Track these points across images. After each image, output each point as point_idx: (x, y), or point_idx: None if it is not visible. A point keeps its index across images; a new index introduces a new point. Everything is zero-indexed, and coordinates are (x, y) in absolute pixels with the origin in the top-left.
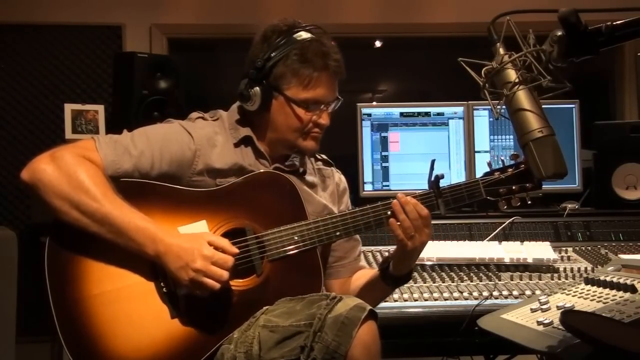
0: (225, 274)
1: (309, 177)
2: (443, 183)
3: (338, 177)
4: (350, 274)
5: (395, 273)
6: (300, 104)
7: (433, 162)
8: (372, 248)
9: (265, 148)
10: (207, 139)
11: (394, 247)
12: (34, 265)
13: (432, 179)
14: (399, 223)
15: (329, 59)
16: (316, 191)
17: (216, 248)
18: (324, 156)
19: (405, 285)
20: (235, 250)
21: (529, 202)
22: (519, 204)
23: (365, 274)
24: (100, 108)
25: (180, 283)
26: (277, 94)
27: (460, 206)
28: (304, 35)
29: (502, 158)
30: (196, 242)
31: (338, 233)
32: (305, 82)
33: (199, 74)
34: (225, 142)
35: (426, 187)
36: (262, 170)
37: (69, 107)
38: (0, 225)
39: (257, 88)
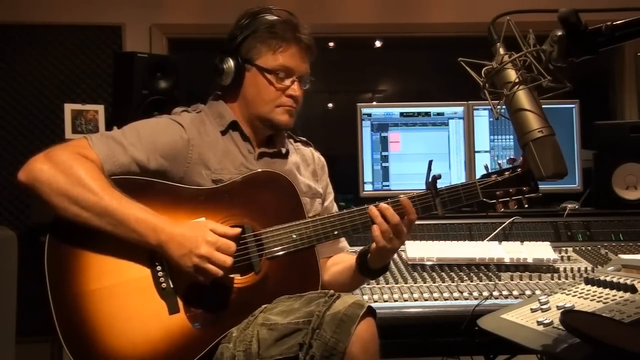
0: (228, 260)
1: (292, 158)
2: (441, 184)
3: (317, 156)
4: (330, 254)
5: (373, 266)
6: (272, 72)
7: (430, 162)
8: None
9: (248, 130)
10: (196, 128)
11: None
12: (34, 265)
13: (430, 179)
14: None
15: (298, 32)
16: (299, 170)
17: (218, 234)
18: (302, 138)
19: (405, 285)
20: (237, 230)
21: (526, 205)
22: (516, 206)
23: (343, 259)
24: (100, 108)
25: (184, 270)
26: (249, 66)
27: (457, 207)
28: (274, 16)
29: (500, 161)
30: (199, 229)
31: (336, 232)
32: (274, 49)
33: (199, 74)
34: (212, 131)
35: (424, 187)
36: (260, 170)
37: (69, 107)
38: (0, 225)
39: (230, 61)
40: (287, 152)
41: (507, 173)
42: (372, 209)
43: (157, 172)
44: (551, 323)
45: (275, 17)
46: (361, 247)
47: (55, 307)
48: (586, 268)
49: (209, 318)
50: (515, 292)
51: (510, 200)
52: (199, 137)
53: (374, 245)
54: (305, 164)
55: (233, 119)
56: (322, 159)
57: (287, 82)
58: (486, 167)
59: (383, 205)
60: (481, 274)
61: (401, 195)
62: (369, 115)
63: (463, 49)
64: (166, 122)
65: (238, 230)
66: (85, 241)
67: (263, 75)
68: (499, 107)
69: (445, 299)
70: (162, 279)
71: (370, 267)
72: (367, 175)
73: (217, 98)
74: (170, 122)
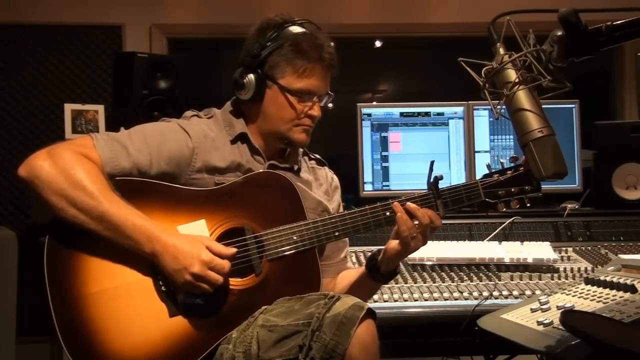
0: (221, 280)
1: (304, 175)
2: (442, 184)
3: (330, 176)
4: (335, 275)
5: (386, 269)
6: (294, 94)
7: (432, 163)
8: (373, 248)
9: (260, 143)
10: (204, 136)
11: None
12: (34, 265)
13: (431, 180)
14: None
15: (323, 52)
16: (311, 188)
17: (214, 253)
18: (317, 156)
19: (405, 285)
20: (232, 251)
21: (528, 205)
22: (518, 206)
23: (350, 273)
24: (100, 108)
25: (175, 284)
26: (271, 83)
27: (459, 207)
28: (298, 29)
29: (502, 160)
30: (195, 245)
31: (337, 233)
32: (299, 71)
33: (199, 74)
34: (221, 139)
35: (425, 187)
36: (261, 170)
37: (69, 107)
38: (0, 225)
39: (252, 76)
40: (299, 170)
41: (509, 172)
42: (405, 205)
43: (157, 177)
44: (551, 323)
45: (300, 30)
46: (363, 248)
47: (55, 310)
48: (586, 268)
49: (210, 320)
50: (515, 292)
51: (512, 199)
52: (204, 145)
53: (391, 244)
54: (317, 182)
55: (242, 131)
56: (336, 179)
57: (309, 103)
58: (488, 167)
59: (413, 205)
60: (481, 274)
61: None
62: (369, 115)
63: (463, 49)
64: (173, 129)
65: (234, 250)
66: (85, 243)
67: (284, 95)
68: (499, 107)
69: (445, 299)
70: (162, 282)
71: (382, 271)
72: (367, 175)
73: (232, 107)
74: (178, 129)
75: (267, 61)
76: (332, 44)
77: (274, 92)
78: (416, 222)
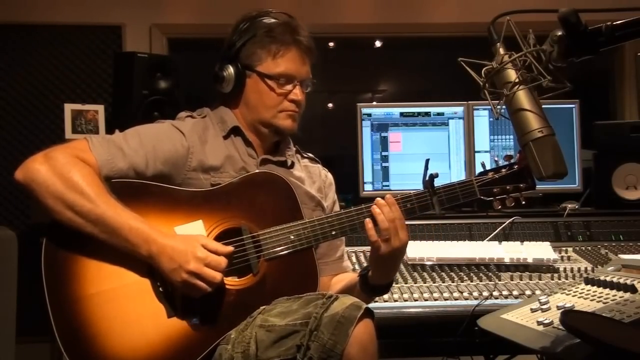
0: (218, 276)
1: (297, 172)
2: (438, 182)
3: (324, 174)
4: (333, 273)
5: (374, 282)
6: (273, 78)
7: (427, 161)
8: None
9: (252, 136)
10: (198, 135)
11: None
12: (34, 266)
13: (427, 178)
14: (376, 226)
15: (298, 35)
16: (303, 184)
17: (210, 251)
18: (310, 154)
19: (405, 285)
20: (229, 249)
21: (523, 202)
22: (513, 204)
23: (345, 277)
24: (100, 108)
25: (173, 284)
26: (250, 72)
27: (454, 205)
28: (271, 19)
29: (496, 159)
30: (190, 244)
31: (334, 232)
32: (274, 55)
33: (199, 74)
34: (215, 136)
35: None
36: (257, 171)
37: (69, 107)
38: (0, 225)
39: (231, 68)
40: (292, 164)
41: (503, 170)
42: (374, 206)
43: (154, 177)
44: (551, 323)
45: (274, 20)
46: (362, 248)
47: (53, 312)
48: (586, 268)
49: (208, 320)
50: (515, 292)
51: (507, 197)
52: (199, 144)
53: (370, 254)
54: (310, 180)
55: (235, 124)
56: (330, 176)
57: (289, 87)
58: (483, 165)
59: (381, 201)
60: (481, 274)
61: (387, 195)
62: (369, 115)
63: (463, 49)
64: (168, 129)
65: (230, 248)
66: (82, 245)
67: (264, 81)
68: (499, 107)
69: (445, 299)
70: (159, 283)
71: (371, 283)
72: (367, 175)
73: (221, 103)
74: (172, 129)
75: (243, 51)
76: (305, 28)
77: (254, 81)
78: (386, 221)
